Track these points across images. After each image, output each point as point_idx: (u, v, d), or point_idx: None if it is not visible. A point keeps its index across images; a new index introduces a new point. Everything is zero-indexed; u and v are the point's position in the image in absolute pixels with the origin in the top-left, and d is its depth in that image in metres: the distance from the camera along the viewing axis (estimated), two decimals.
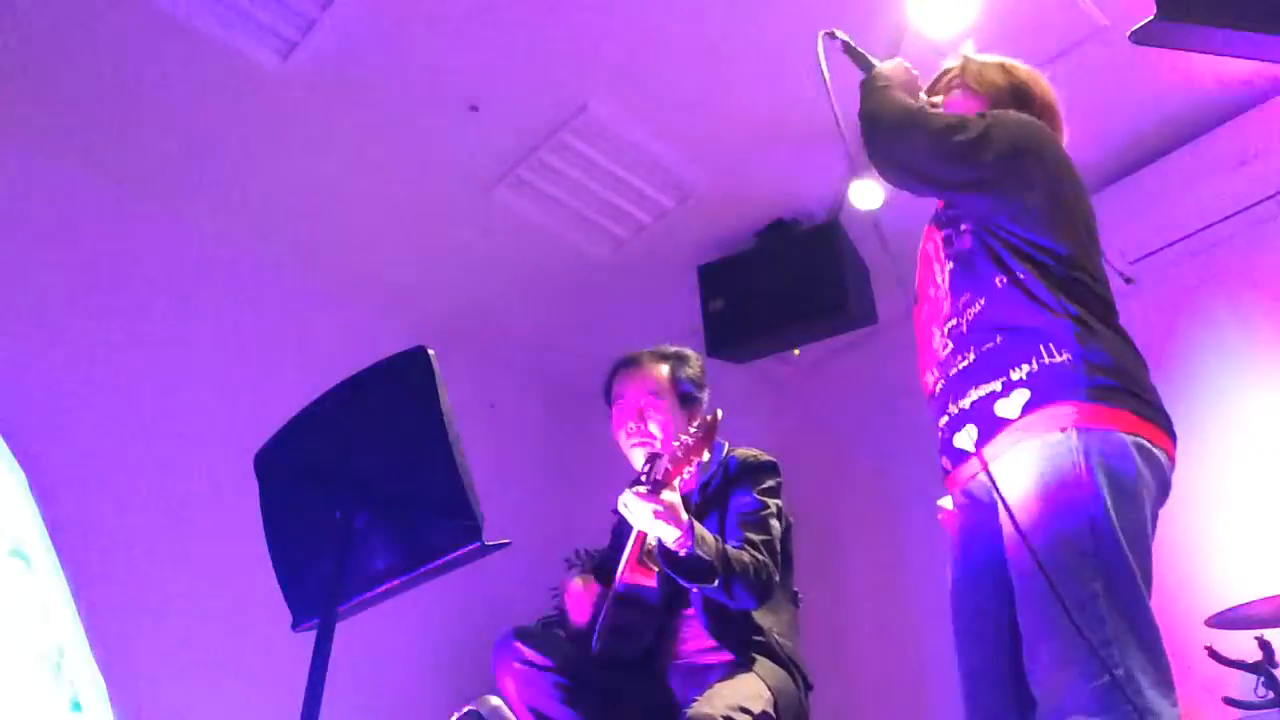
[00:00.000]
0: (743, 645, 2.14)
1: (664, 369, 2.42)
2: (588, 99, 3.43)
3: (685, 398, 2.41)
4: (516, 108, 3.45)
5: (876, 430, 4.52)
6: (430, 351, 1.66)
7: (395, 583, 1.68)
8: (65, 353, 3.30)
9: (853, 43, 2.00)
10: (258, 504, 1.87)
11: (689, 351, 2.50)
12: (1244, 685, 2.73)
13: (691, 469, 2.03)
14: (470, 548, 1.57)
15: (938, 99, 1.92)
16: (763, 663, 2.10)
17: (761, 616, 2.17)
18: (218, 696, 3.10)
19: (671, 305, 4.22)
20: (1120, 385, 1.52)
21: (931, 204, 1.93)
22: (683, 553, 2.01)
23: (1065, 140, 1.86)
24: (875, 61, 1.97)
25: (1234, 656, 2.74)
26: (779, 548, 2.21)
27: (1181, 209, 3.60)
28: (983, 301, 1.63)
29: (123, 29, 3.04)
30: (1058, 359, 1.52)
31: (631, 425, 2.37)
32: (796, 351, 4.40)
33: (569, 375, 4.57)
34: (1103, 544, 1.42)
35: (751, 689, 2.01)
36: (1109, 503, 1.44)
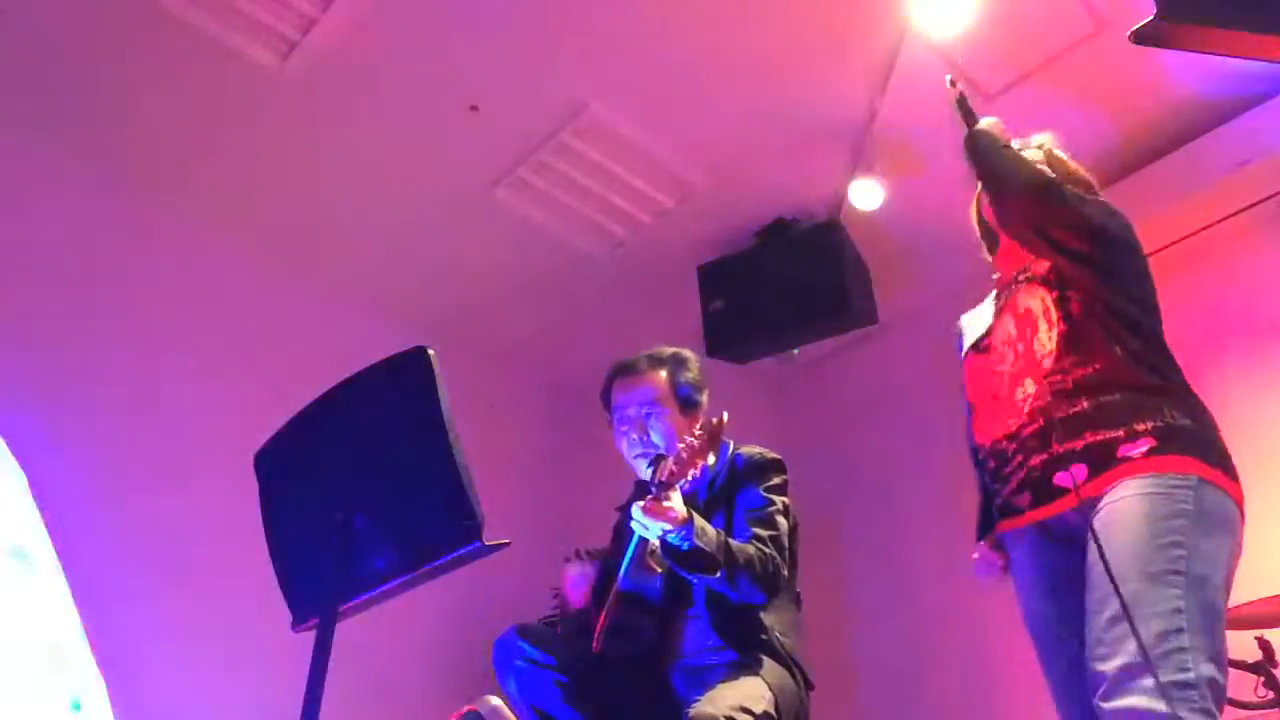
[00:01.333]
0: (745, 644, 2.14)
1: (662, 375, 2.40)
2: (588, 99, 3.43)
3: (686, 402, 2.39)
4: (516, 108, 3.45)
5: (876, 430, 4.52)
6: (430, 351, 1.66)
7: (395, 583, 1.67)
8: (65, 353, 3.30)
9: (966, 96, 2.15)
10: (258, 504, 1.87)
11: (686, 353, 2.48)
12: (1244, 685, 2.73)
13: (696, 471, 2.03)
14: (470, 548, 1.57)
15: None
16: (764, 663, 2.10)
17: (764, 615, 2.17)
18: (218, 696, 3.10)
19: (671, 305, 4.22)
20: (1227, 455, 1.73)
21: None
22: (685, 546, 2.01)
23: None
24: (978, 116, 2.12)
25: (1234, 656, 2.74)
26: (787, 544, 2.20)
27: (1181, 209, 3.60)
28: (1098, 365, 1.79)
29: (123, 28, 3.04)
30: (1180, 421, 1.71)
31: (634, 437, 2.35)
32: (795, 352, 4.40)
33: (569, 375, 4.57)
34: (1194, 571, 1.57)
35: (753, 689, 2.01)
36: (1209, 545, 1.61)
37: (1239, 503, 1.71)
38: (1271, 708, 2.67)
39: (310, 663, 1.56)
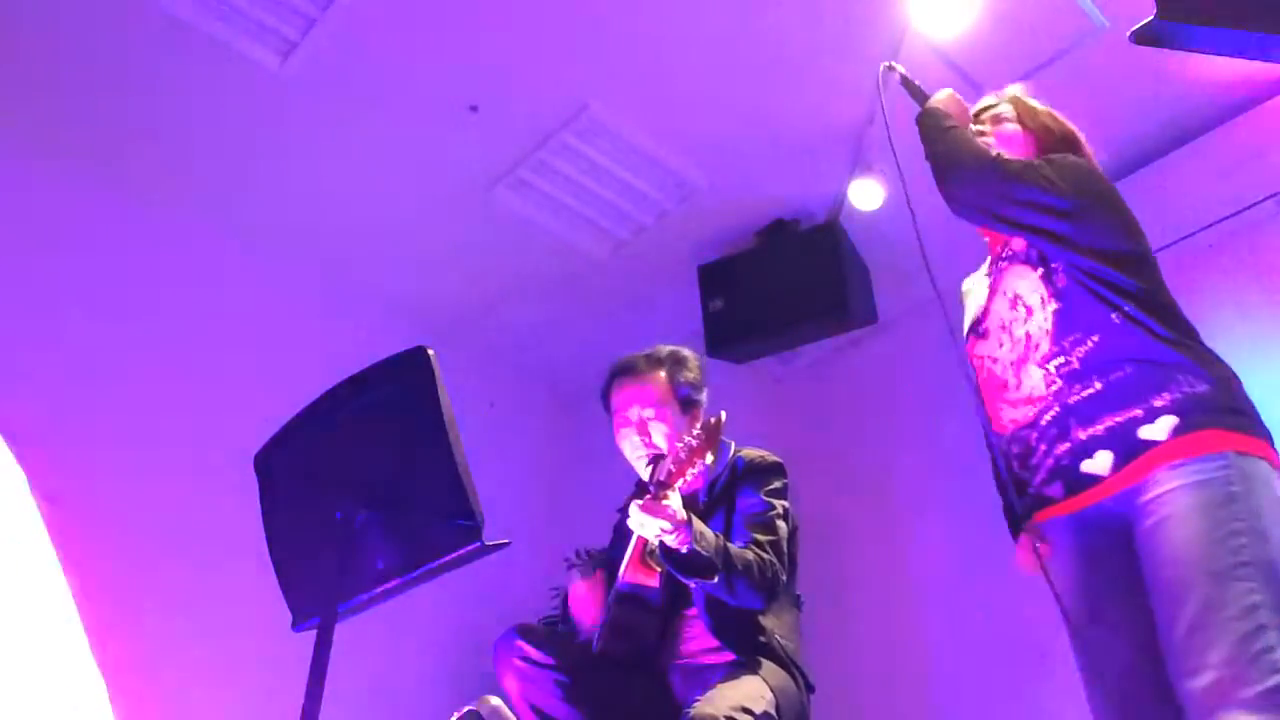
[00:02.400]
0: (744, 646, 2.14)
1: (661, 375, 2.40)
2: (588, 99, 3.43)
3: (685, 402, 2.39)
4: (516, 108, 3.45)
5: (876, 430, 4.52)
6: (430, 351, 1.66)
7: (395, 583, 1.68)
8: (65, 353, 3.30)
9: (909, 76, 2.09)
10: (258, 504, 1.87)
11: (685, 351, 2.48)
12: None
13: (695, 470, 2.03)
14: (470, 548, 1.57)
15: (985, 128, 2.02)
16: (764, 664, 2.10)
17: (763, 618, 2.17)
18: (218, 696, 3.10)
19: (671, 305, 4.22)
20: (1253, 414, 1.65)
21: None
22: (684, 549, 2.01)
23: None
24: (928, 94, 2.06)
25: None
26: (785, 548, 2.20)
27: (1181, 209, 3.59)
28: (1096, 338, 1.70)
29: (123, 29, 3.05)
30: (1198, 388, 1.62)
31: (635, 438, 2.35)
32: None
33: (569, 375, 4.57)
34: (1260, 556, 1.49)
35: (754, 689, 2.01)
36: (1266, 521, 1.52)
37: (1275, 464, 1.61)
38: None
39: (310, 663, 1.56)
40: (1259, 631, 1.44)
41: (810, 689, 2.20)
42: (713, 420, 2.04)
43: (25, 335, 3.22)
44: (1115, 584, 1.69)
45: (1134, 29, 1.36)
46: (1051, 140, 1.98)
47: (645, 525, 2.02)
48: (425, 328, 4.05)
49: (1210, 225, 3.60)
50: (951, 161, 1.87)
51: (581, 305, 4.41)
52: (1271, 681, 1.40)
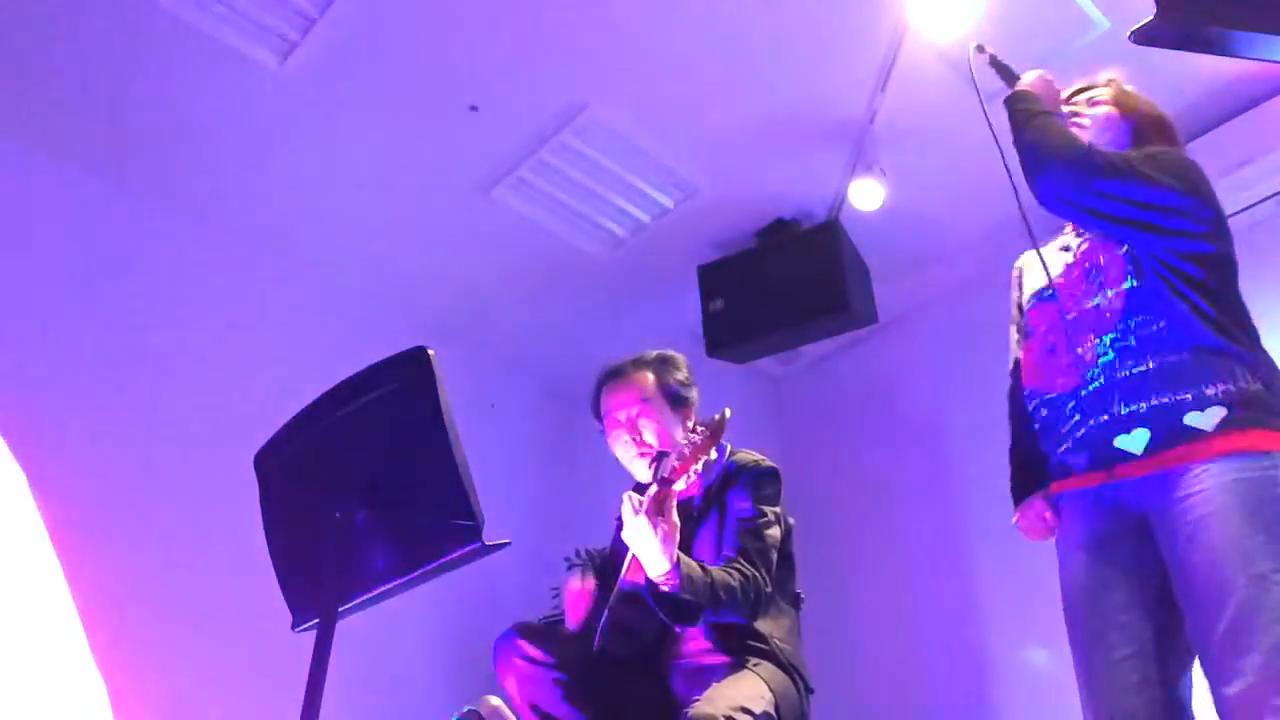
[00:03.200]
0: (743, 650, 2.14)
1: (649, 376, 2.40)
2: (588, 99, 3.43)
3: (675, 399, 2.39)
4: (516, 108, 3.45)
5: (876, 430, 4.52)
6: (430, 351, 1.66)
7: (395, 583, 1.67)
8: (65, 353, 3.30)
9: (998, 56, 2.02)
10: (258, 504, 1.87)
11: (672, 353, 2.48)
12: None
13: (699, 467, 2.02)
14: (470, 548, 1.57)
15: (1082, 109, 1.97)
16: (764, 665, 2.10)
17: (761, 623, 2.16)
18: (218, 696, 3.10)
19: (671, 305, 4.22)
20: None
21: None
22: (665, 588, 1.97)
23: None
24: (1018, 74, 2.00)
25: None
26: (774, 556, 2.19)
27: None
28: (1164, 323, 1.69)
29: (122, 29, 3.04)
30: (1252, 385, 1.60)
31: (626, 438, 2.35)
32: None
33: (569, 375, 4.56)
34: None
35: (753, 689, 2.01)
36: None
37: None
38: None
39: (310, 663, 1.56)
40: None
41: (809, 691, 2.20)
42: (717, 417, 2.04)
43: (25, 335, 3.22)
44: (1122, 576, 1.68)
45: (1134, 29, 1.36)
46: (1149, 127, 1.93)
47: (635, 533, 1.96)
48: (425, 327, 4.05)
49: None
50: (1042, 152, 1.80)
51: (581, 305, 4.41)
52: None
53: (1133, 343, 1.70)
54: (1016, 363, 2.01)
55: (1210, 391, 1.61)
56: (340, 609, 1.64)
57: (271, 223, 3.85)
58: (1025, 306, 2.00)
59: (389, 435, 1.71)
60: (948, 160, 3.62)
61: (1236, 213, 3.54)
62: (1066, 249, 1.95)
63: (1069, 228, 2.00)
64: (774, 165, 3.77)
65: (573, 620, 2.32)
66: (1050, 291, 1.88)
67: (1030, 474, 1.93)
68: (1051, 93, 1.96)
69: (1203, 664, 1.53)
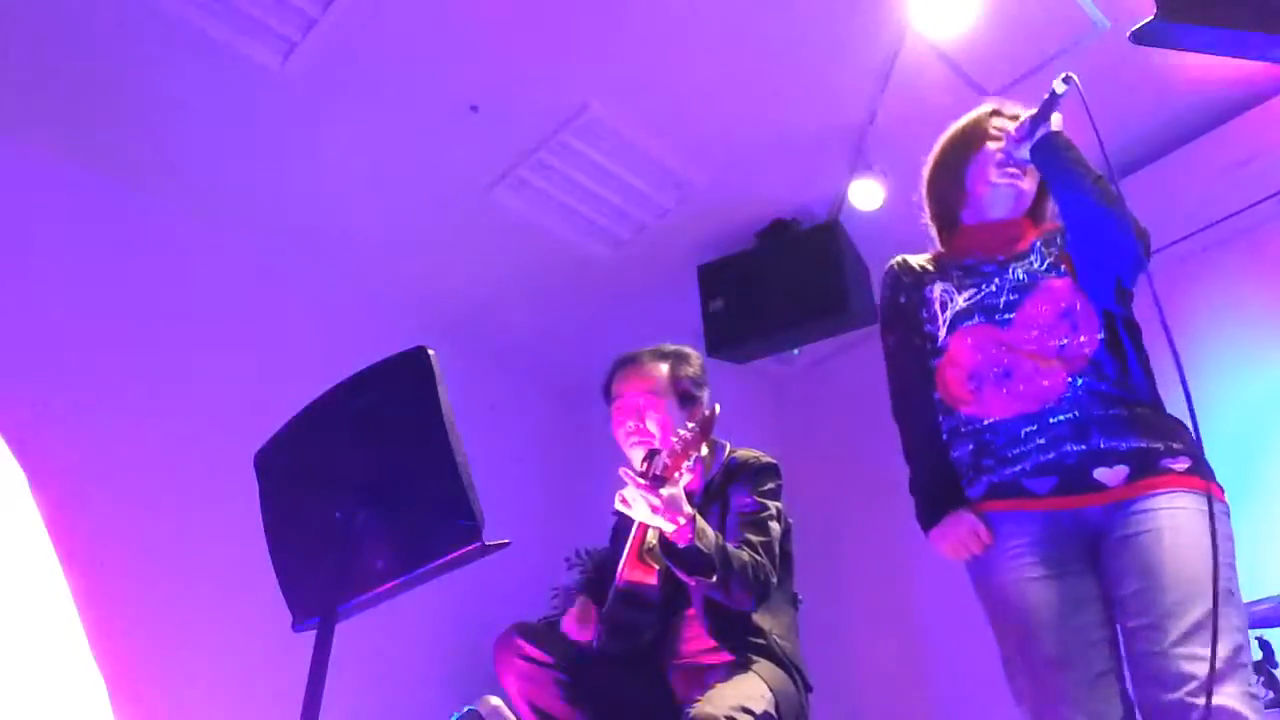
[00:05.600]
0: (742, 647, 2.14)
1: (663, 368, 2.42)
2: (588, 99, 3.43)
3: (684, 396, 2.40)
4: (516, 108, 3.45)
5: (876, 430, 4.50)
6: (430, 352, 1.66)
7: (395, 583, 1.67)
8: (65, 353, 3.30)
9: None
10: (258, 504, 1.87)
11: (689, 350, 2.50)
12: None
13: (690, 463, 2.03)
14: (470, 548, 1.57)
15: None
16: (763, 664, 2.10)
17: (761, 619, 2.17)
18: (218, 696, 3.10)
19: (671, 305, 4.22)
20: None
21: None
22: (682, 544, 2.01)
23: None
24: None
25: None
26: (777, 550, 2.20)
27: (1182, 209, 3.59)
28: (1131, 379, 1.80)
29: (122, 29, 3.04)
30: (1194, 446, 1.73)
31: (630, 424, 2.37)
32: (796, 351, 4.39)
33: (569, 375, 4.57)
34: (1235, 587, 1.66)
35: (753, 689, 2.01)
36: (1234, 560, 1.67)
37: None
38: (1271, 708, 2.67)
39: (310, 663, 1.56)
40: (1244, 649, 1.61)
41: (808, 689, 2.20)
42: (707, 413, 2.05)
43: (26, 335, 3.22)
44: (1089, 595, 1.75)
45: (1134, 29, 1.36)
46: None
47: (638, 508, 1.99)
48: (425, 327, 4.05)
49: (1210, 225, 3.60)
50: (1126, 221, 1.79)
51: (581, 305, 4.41)
52: (1253, 690, 1.58)
53: (1105, 389, 1.77)
54: (920, 373, 1.97)
55: (1176, 446, 1.73)
56: (340, 609, 1.64)
57: (271, 222, 3.85)
58: (944, 321, 1.94)
59: (389, 435, 1.71)
60: None
61: (1236, 213, 3.55)
62: (988, 274, 1.92)
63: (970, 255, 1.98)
64: (774, 165, 3.77)
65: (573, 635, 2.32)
66: (1009, 317, 1.86)
67: (951, 489, 1.90)
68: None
69: (1157, 637, 1.61)
